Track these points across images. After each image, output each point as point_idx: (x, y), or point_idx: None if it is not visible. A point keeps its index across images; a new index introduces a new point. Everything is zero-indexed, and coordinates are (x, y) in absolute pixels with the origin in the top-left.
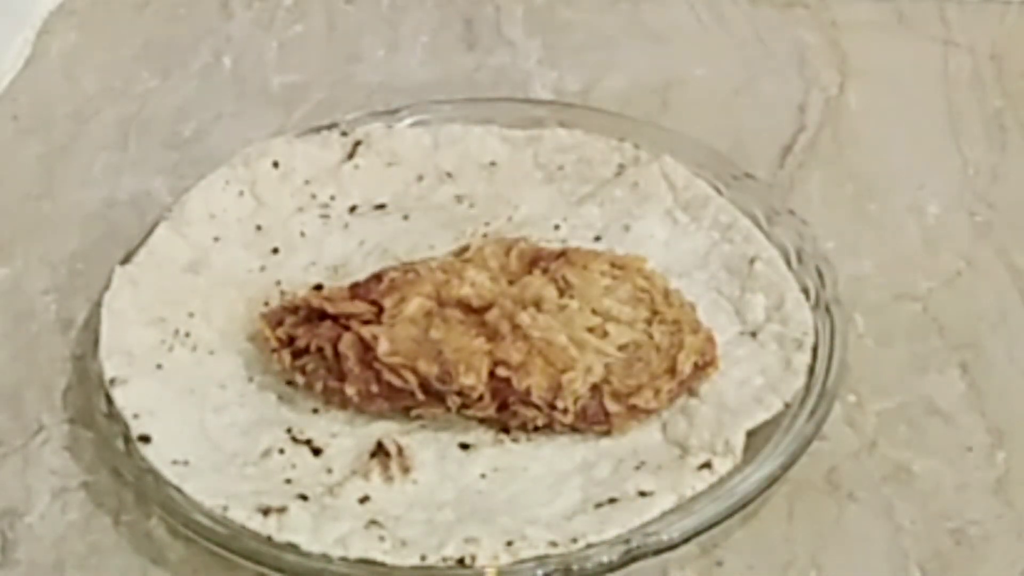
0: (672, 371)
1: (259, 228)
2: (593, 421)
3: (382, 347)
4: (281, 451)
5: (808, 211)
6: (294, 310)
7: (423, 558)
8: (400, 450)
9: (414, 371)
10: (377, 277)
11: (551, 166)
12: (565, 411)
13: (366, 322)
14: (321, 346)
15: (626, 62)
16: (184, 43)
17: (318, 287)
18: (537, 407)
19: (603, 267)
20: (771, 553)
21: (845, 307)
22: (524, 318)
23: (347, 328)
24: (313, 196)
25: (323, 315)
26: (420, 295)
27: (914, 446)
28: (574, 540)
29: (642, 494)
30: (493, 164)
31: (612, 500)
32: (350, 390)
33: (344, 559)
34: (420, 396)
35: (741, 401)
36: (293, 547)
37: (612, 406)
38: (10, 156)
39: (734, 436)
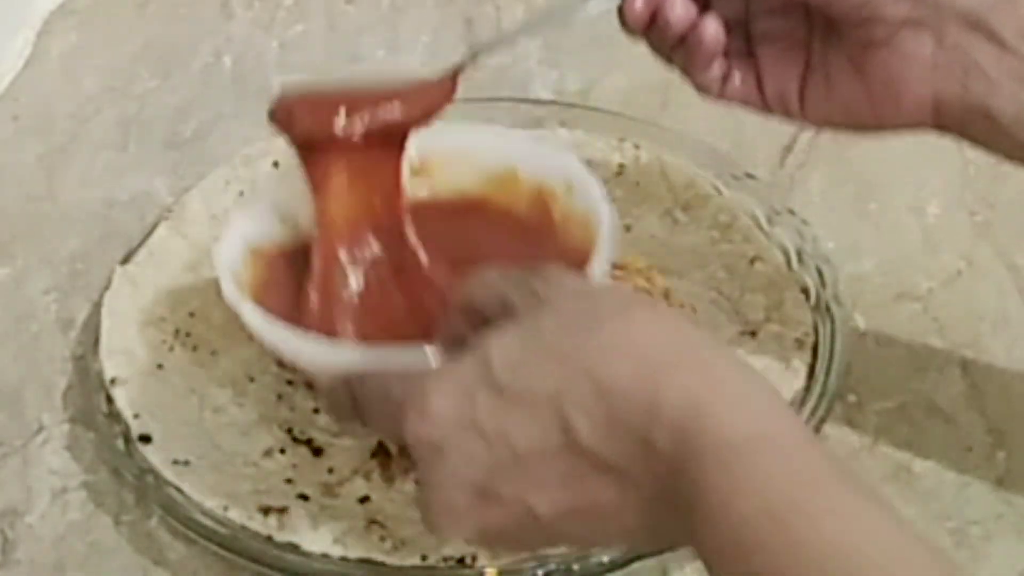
0: None
1: None
2: None
3: None
4: (281, 451)
5: (808, 211)
6: None
7: (423, 558)
8: (401, 450)
9: None
10: None
11: None
12: None
13: None
14: None
15: (626, 62)
16: (184, 43)
17: None
18: None
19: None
20: None
21: (845, 307)
22: None
23: None
24: None
25: None
26: None
27: (914, 446)
28: None
29: None
30: None
31: None
32: None
33: (344, 559)
34: None
35: None
36: (293, 547)
37: None
38: (10, 156)
39: None
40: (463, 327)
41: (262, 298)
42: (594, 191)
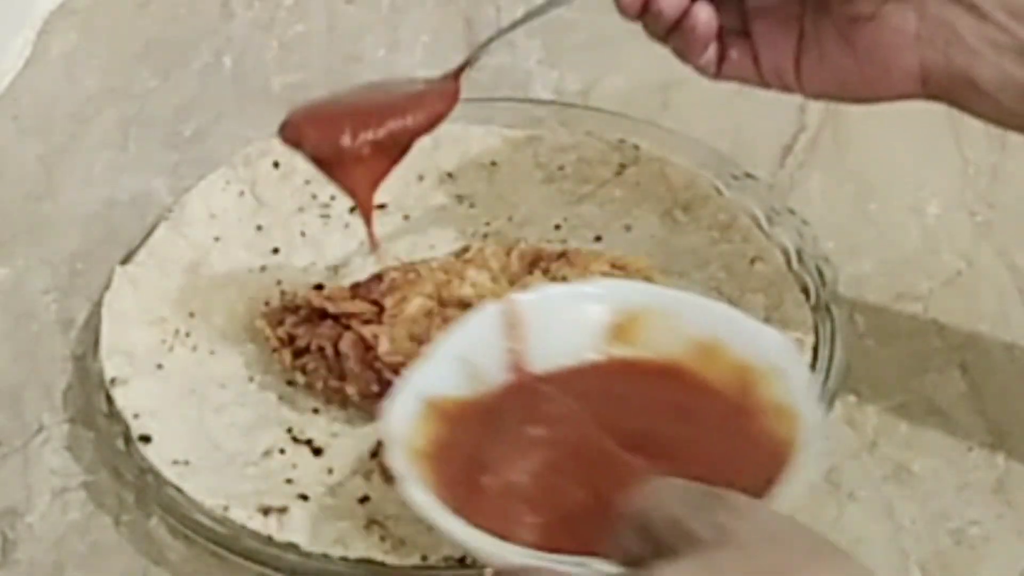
0: None
1: (259, 228)
2: None
3: (383, 347)
4: (282, 451)
5: (808, 211)
6: (295, 310)
7: (423, 558)
8: None
9: None
10: (378, 277)
11: (551, 166)
12: None
13: (367, 322)
14: (322, 346)
15: (626, 62)
16: (184, 43)
17: (318, 287)
18: None
19: (603, 267)
20: None
21: (845, 307)
22: None
23: (348, 328)
24: (313, 196)
25: (324, 315)
26: (421, 295)
27: (914, 446)
28: None
29: None
30: (493, 164)
31: None
32: (351, 390)
33: (344, 559)
34: None
35: None
36: (293, 547)
37: None
38: (10, 156)
39: None
40: (635, 544)
41: (436, 462)
42: (800, 383)
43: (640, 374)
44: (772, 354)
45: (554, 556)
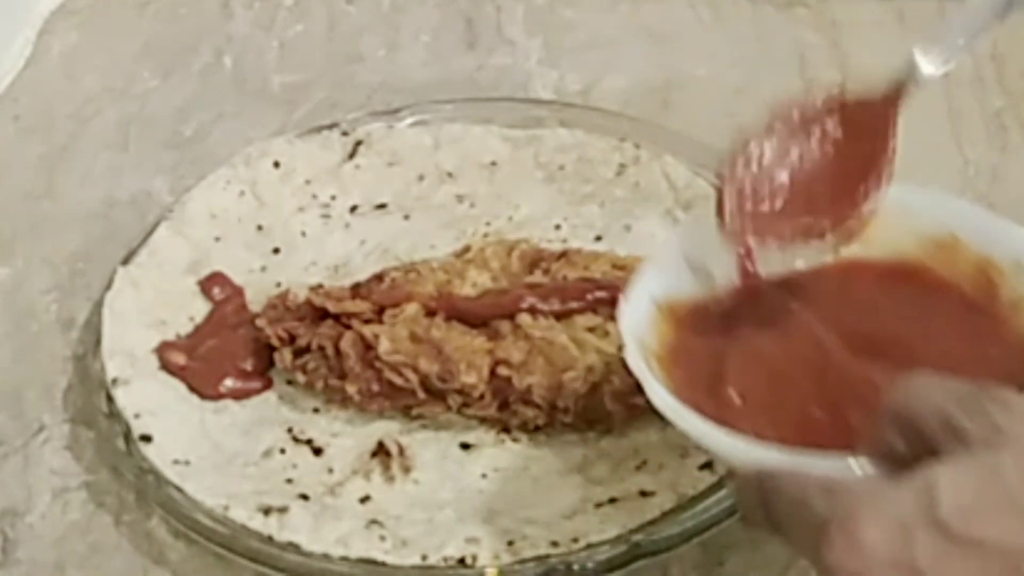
0: None
1: (260, 228)
2: (594, 420)
3: (383, 346)
4: (282, 451)
5: None
6: (295, 309)
7: (424, 558)
8: (401, 450)
9: (415, 370)
10: (378, 277)
11: (552, 166)
12: (566, 410)
13: (367, 321)
14: (322, 345)
15: (626, 62)
16: (184, 43)
17: (318, 287)
18: (538, 406)
19: (604, 268)
20: (771, 553)
21: None
22: (525, 318)
23: (348, 327)
24: (314, 196)
25: (324, 314)
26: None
27: None
28: (575, 540)
29: (643, 494)
30: (494, 164)
31: (613, 500)
32: (351, 389)
33: (345, 559)
34: (421, 395)
35: None
36: (294, 547)
37: (613, 405)
38: (11, 156)
39: None
40: (897, 441)
41: (670, 367)
42: None
43: (873, 274)
44: (1016, 247)
45: (809, 457)
